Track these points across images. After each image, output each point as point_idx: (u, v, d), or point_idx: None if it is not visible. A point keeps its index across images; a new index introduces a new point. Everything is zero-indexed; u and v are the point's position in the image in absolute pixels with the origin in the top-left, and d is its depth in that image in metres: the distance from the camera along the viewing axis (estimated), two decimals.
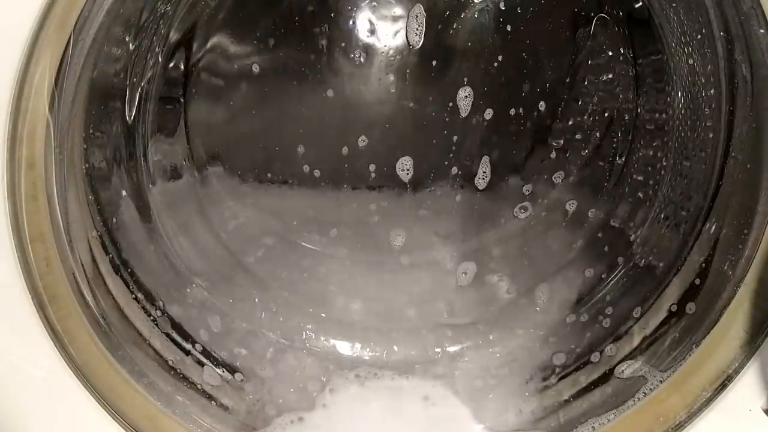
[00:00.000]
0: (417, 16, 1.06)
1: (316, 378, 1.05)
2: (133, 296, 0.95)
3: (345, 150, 1.11)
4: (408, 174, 1.11)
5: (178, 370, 0.95)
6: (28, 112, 0.72)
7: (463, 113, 1.09)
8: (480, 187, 1.12)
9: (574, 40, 1.13)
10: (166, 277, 1.03)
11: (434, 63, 1.11)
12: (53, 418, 0.80)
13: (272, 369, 1.06)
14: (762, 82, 0.81)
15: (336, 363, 1.09)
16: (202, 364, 0.99)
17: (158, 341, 0.95)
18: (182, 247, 1.08)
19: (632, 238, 1.07)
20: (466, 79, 1.10)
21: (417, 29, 1.06)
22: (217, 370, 1.01)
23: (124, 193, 0.98)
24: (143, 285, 0.97)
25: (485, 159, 1.11)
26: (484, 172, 1.11)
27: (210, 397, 0.97)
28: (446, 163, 1.13)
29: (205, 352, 1.01)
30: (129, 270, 0.95)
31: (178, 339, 0.99)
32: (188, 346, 0.99)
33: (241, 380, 1.02)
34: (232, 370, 1.03)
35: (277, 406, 1.01)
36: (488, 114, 1.10)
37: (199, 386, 0.96)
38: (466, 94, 1.09)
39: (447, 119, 1.11)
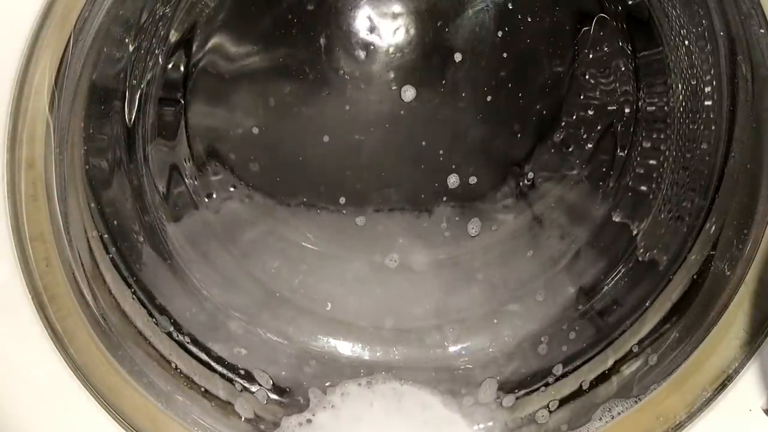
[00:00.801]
0: (408, 92, 1.08)
1: (324, 380, 1.05)
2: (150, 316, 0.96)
3: (345, 152, 1.11)
4: (395, 262, 1.13)
5: (180, 370, 0.95)
6: (28, 112, 0.72)
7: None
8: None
9: (574, 36, 1.13)
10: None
11: (436, 62, 1.11)
12: (53, 418, 0.80)
13: (280, 371, 1.06)
14: (762, 83, 0.81)
15: (344, 365, 1.09)
16: (212, 369, 1.00)
17: (159, 341, 0.95)
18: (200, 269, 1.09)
19: (635, 233, 1.07)
20: (467, 77, 1.10)
21: (412, 94, 1.08)
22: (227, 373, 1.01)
23: (142, 238, 0.99)
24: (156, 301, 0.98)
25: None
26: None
27: (212, 398, 0.97)
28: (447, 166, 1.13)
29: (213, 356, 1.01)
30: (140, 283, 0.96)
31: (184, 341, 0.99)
32: (195, 350, 1.00)
33: (247, 383, 1.02)
34: (239, 372, 1.03)
35: (285, 408, 1.02)
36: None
37: (201, 387, 0.96)
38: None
39: (447, 116, 1.11)
